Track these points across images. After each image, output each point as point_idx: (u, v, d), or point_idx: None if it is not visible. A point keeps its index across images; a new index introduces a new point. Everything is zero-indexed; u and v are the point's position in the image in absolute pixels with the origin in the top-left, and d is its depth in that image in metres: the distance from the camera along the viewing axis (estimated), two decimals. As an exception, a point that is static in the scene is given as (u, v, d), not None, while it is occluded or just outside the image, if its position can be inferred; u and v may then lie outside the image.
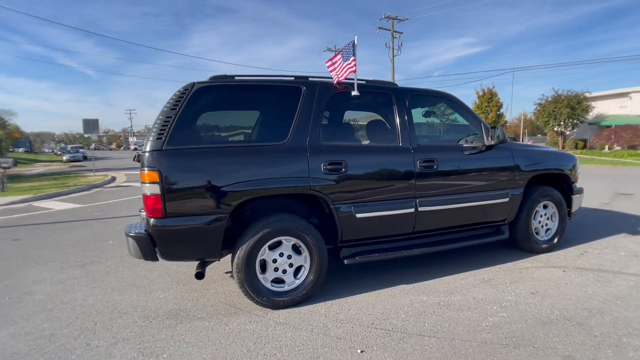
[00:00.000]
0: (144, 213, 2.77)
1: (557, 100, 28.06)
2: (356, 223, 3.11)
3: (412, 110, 3.51)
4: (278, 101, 3.13)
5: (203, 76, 4.69)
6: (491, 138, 3.66)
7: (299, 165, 2.92)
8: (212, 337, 2.54)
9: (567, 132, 29.71)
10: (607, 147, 26.44)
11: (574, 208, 4.27)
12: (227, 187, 2.73)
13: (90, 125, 16.77)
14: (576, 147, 27.87)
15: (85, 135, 33.04)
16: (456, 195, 3.49)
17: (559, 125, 28.40)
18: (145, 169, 2.62)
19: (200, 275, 2.96)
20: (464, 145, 3.67)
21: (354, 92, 3.21)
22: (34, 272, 3.98)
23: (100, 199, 9.73)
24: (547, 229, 4.12)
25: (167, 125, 2.67)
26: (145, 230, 2.70)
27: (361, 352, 2.32)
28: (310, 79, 3.24)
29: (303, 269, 3.02)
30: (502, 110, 36.41)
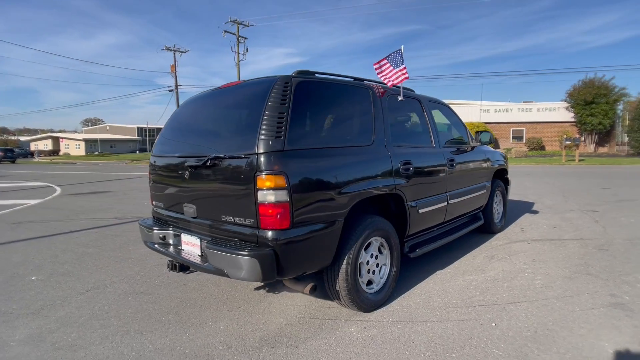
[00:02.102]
0: (255, 225, 2.35)
1: None
2: (419, 218, 3.43)
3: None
4: (358, 102, 3.16)
5: None
6: (474, 140, 4.65)
7: (387, 166, 3.08)
8: (347, 353, 2.39)
9: None
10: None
11: (509, 195, 5.74)
12: (344, 189, 2.68)
13: None
14: None
15: None
16: (464, 188, 4.25)
17: None
18: (265, 172, 2.27)
19: (315, 289, 2.68)
20: (462, 146, 4.49)
21: (400, 97, 3.55)
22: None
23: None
24: (498, 213, 5.41)
25: (282, 123, 2.38)
26: (269, 246, 2.30)
27: (495, 325, 2.67)
28: (365, 81, 3.40)
29: (385, 268, 3.12)
30: None
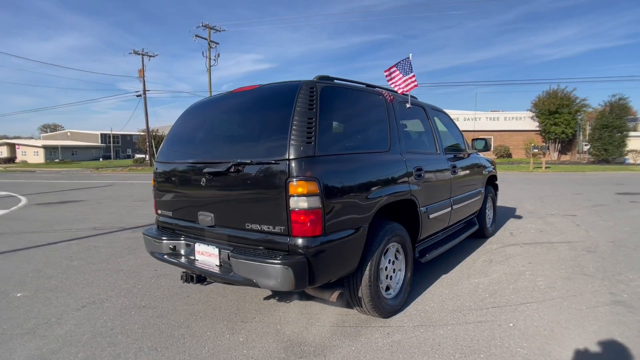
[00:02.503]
0: (286, 233, 2.32)
1: None
2: (429, 223, 3.51)
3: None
4: (375, 108, 3.20)
5: None
6: (470, 147, 4.83)
7: (403, 172, 3.14)
8: None
9: None
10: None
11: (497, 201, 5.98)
12: (369, 195, 2.71)
13: None
14: None
15: None
16: (465, 194, 4.40)
17: None
18: (296, 179, 2.25)
19: (341, 296, 2.66)
20: (460, 153, 4.65)
21: (408, 105, 3.65)
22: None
23: None
24: (489, 218, 5.62)
25: (311, 128, 2.38)
26: (302, 254, 2.28)
27: (512, 325, 2.76)
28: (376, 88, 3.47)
29: (400, 273, 3.17)
30: None
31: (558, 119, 29.81)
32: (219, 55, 32.17)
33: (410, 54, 3.63)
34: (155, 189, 3.26)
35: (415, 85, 3.55)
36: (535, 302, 3.18)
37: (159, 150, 3.30)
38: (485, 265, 4.23)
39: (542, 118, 30.59)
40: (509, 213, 7.39)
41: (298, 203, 2.24)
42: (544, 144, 29.71)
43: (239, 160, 2.47)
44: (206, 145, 3.00)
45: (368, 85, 3.36)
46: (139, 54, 34.42)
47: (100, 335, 2.80)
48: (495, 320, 2.87)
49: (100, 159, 58.51)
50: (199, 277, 2.91)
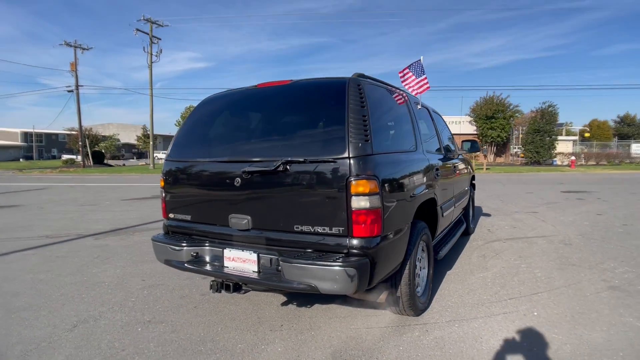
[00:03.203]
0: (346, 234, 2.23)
1: None
2: (443, 221, 3.63)
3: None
4: (403, 107, 3.21)
5: None
6: (459, 149, 5.08)
7: (431, 171, 3.23)
8: (431, 357, 2.42)
9: None
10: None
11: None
12: (412, 193, 2.75)
13: None
14: None
15: None
16: (460, 192, 4.62)
17: None
18: (358, 178, 2.19)
19: (388, 296, 2.61)
20: (453, 153, 4.85)
21: (419, 106, 3.74)
22: None
23: None
24: (471, 215, 5.94)
25: (366, 126, 2.33)
26: (364, 255, 2.21)
27: (537, 314, 2.93)
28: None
29: (424, 270, 3.22)
30: None
31: (494, 124, 32.48)
32: (161, 51, 30.46)
33: (422, 57, 3.72)
34: (166, 191, 2.95)
35: (428, 87, 3.64)
36: (544, 291, 3.40)
37: (171, 147, 3.00)
38: (481, 260, 4.44)
39: (480, 122, 33.13)
40: (478, 211, 7.87)
41: (359, 202, 2.17)
42: (483, 147, 32.23)
43: (289, 159, 2.32)
44: (241, 143, 2.78)
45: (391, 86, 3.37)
46: (71, 45, 31.43)
47: (112, 358, 2.46)
48: (518, 310, 3.01)
49: (21, 160, 52.30)
50: (236, 285, 2.66)
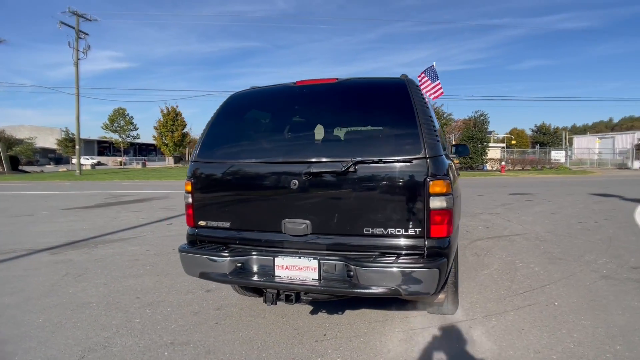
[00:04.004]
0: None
1: None
2: (457, 219, 3.78)
3: None
4: (431, 109, 3.30)
5: None
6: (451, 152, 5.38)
7: (456, 172, 3.33)
8: (502, 349, 2.49)
9: None
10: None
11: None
12: (457, 192, 2.85)
13: None
14: None
15: None
16: None
17: None
18: (436, 178, 2.22)
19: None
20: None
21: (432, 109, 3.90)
22: None
23: None
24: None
25: (434, 125, 2.43)
26: (442, 255, 2.24)
27: (557, 304, 3.16)
28: None
29: (452, 268, 3.32)
30: (186, 129, 41.19)
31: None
32: (89, 48, 27.91)
33: (434, 62, 3.88)
34: (196, 196, 2.68)
35: (442, 93, 3.82)
36: (550, 284, 3.69)
37: (200, 147, 2.72)
38: (477, 259, 4.69)
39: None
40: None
41: (437, 203, 2.18)
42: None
43: (361, 159, 2.24)
44: (296, 143, 2.61)
45: None
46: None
47: (151, 386, 2.15)
48: (539, 302, 3.23)
49: None
50: (297, 295, 2.45)
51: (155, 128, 40.92)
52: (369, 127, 2.51)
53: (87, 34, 27.84)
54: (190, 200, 2.69)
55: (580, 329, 2.73)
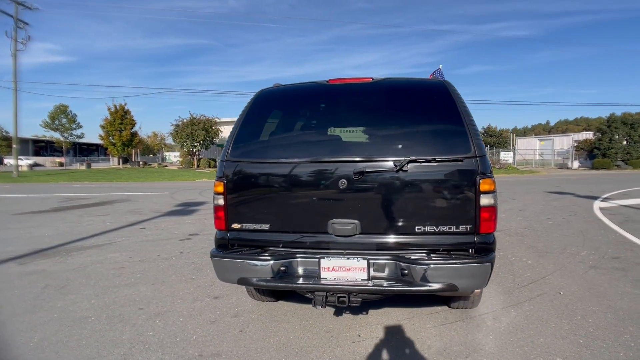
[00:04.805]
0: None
1: (193, 122, 33.10)
2: None
3: None
4: None
5: None
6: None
7: None
8: (532, 337, 2.60)
9: (196, 152, 34.78)
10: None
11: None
12: None
13: None
14: (209, 166, 33.84)
15: None
16: None
17: (195, 146, 33.58)
18: (485, 176, 2.29)
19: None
20: None
21: None
22: None
23: None
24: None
25: (476, 126, 2.47)
26: (490, 250, 2.33)
27: (562, 293, 3.38)
28: None
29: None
30: (135, 128, 39.27)
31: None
32: (29, 38, 25.65)
33: (441, 65, 3.98)
34: (230, 197, 2.54)
35: None
36: (548, 275, 3.94)
37: (231, 145, 2.56)
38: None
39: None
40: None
41: (486, 200, 2.25)
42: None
43: (413, 157, 2.25)
44: (340, 142, 2.56)
45: None
46: None
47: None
48: (545, 292, 3.44)
49: None
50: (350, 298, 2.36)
51: (102, 127, 38.14)
52: (417, 127, 2.52)
53: (27, 24, 25.56)
54: (221, 202, 2.54)
55: (592, 315, 2.94)
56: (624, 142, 30.66)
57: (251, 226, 2.51)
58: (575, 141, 37.48)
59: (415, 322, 2.91)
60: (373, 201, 2.35)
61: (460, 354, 2.43)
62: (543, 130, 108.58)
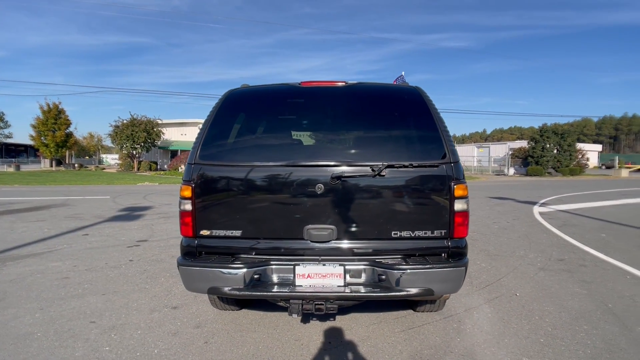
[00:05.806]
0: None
1: (134, 124, 31.76)
2: None
3: None
4: None
5: None
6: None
7: None
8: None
9: (136, 154, 33.54)
10: (179, 168, 29.56)
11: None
12: None
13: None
14: (150, 169, 32.51)
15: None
16: None
17: (135, 148, 32.31)
18: (459, 182, 2.37)
19: None
20: None
21: None
22: None
23: None
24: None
25: (448, 133, 2.54)
26: (463, 254, 2.44)
27: (517, 294, 3.62)
28: None
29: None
30: (70, 129, 36.88)
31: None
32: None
33: (403, 72, 4.11)
34: (198, 202, 2.42)
35: None
36: (502, 277, 4.20)
37: (200, 148, 2.44)
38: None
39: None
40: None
41: (460, 205, 2.33)
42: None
43: (391, 163, 2.28)
44: (314, 146, 2.52)
45: None
46: None
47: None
48: (503, 294, 3.66)
49: None
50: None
51: (33, 126, 34.71)
52: (392, 132, 2.56)
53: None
54: (189, 207, 2.41)
55: (548, 315, 3.18)
56: (555, 151, 33.46)
57: (221, 232, 2.41)
58: (511, 149, 40.29)
59: (384, 327, 2.96)
60: (350, 206, 2.36)
61: (433, 357, 2.51)
62: (480, 138, 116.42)
